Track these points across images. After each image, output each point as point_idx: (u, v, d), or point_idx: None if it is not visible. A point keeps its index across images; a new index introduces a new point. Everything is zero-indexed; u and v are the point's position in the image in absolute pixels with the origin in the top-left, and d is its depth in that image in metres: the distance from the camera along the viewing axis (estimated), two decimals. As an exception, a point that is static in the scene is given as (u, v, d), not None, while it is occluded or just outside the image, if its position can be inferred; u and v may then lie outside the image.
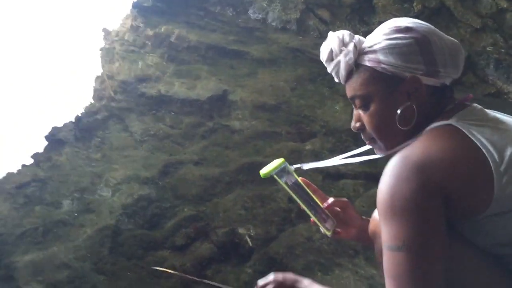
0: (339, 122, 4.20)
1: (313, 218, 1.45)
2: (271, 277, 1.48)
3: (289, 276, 1.46)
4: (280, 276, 1.47)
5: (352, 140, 3.90)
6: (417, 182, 1.05)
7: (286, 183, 1.45)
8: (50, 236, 3.08)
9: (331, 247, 2.88)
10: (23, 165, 3.73)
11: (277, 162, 1.50)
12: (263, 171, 1.48)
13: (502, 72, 4.55)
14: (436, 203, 1.05)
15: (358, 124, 1.34)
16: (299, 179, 1.52)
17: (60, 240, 3.04)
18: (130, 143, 4.15)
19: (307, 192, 1.49)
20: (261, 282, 1.50)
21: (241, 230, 3.03)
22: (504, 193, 1.05)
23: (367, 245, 1.50)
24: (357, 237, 1.55)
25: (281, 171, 1.48)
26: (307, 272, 2.70)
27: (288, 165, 1.52)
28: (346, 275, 2.65)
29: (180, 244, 3.02)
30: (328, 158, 3.86)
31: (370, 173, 3.57)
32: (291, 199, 3.35)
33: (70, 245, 2.99)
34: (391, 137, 1.27)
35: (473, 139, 1.10)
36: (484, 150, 1.08)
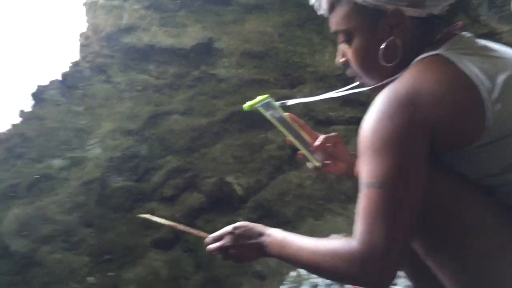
0: (329, 67, 4.08)
1: (302, 151, 1.39)
2: (227, 238, 1.34)
3: (249, 233, 1.31)
4: (236, 229, 1.34)
5: (342, 85, 3.79)
6: (402, 117, 1.01)
7: (272, 115, 1.37)
8: (34, 190, 2.99)
9: (322, 193, 2.84)
10: (13, 125, 3.59)
11: (261, 97, 1.42)
12: (246, 104, 1.42)
13: (495, 12, 4.41)
14: (420, 139, 1.02)
15: (342, 59, 1.30)
16: (285, 114, 1.44)
17: (45, 194, 2.96)
18: (114, 95, 4.01)
19: (294, 128, 1.42)
20: (211, 237, 1.41)
21: (230, 179, 2.98)
22: (496, 121, 1.01)
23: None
24: (347, 172, 1.50)
25: (266, 106, 1.40)
26: (298, 218, 2.67)
27: (272, 100, 1.44)
28: (338, 220, 2.62)
29: (169, 195, 2.96)
30: (318, 105, 3.78)
31: (361, 118, 3.49)
32: (281, 146, 3.28)
33: (55, 199, 2.92)
34: (376, 73, 1.23)
35: (462, 67, 1.04)
36: (474, 79, 1.02)
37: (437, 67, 1.06)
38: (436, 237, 1.09)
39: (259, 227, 1.31)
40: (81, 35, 5.03)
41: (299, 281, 2.08)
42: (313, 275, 2.14)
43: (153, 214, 2.83)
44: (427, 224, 1.08)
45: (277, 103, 1.46)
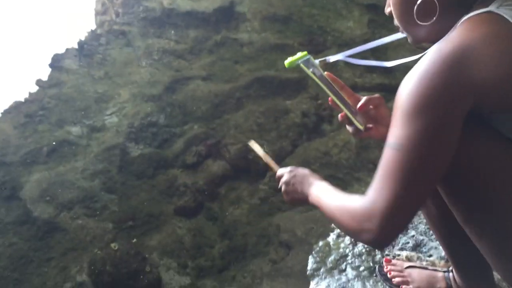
0: (355, 32, 3.94)
1: (345, 111, 1.30)
2: (287, 174, 1.42)
3: (302, 178, 1.37)
4: (293, 176, 1.39)
5: (370, 51, 3.66)
6: (442, 81, 0.93)
7: (313, 73, 1.29)
8: (55, 157, 2.96)
9: (350, 162, 2.75)
10: (30, 93, 3.54)
11: (300, 54, 1.35)
12: (288, 60, 1.34)
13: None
14: (458, 104, 0.95)
15: (388, 10, 1.19)
16: (325, 73, 1.35)
17: (66, 160, 2.93)
18: (133, 62, 3.93)
19: (334, 88, 1.33)
20: (279, 172, 1.47)
21: (256, 149, 2.89)
22: None
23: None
24: None
25: (307, 62, 1.32)
26: (325, 187, 2.59)
27: (312, 58, 1.35)
28: (365, 189, 2.53)
29: (192, 162, 2.90)
30: (343, 71, 3.65)
31: (388, 85, 3.38)
32: (305, 113, 3.19)
33: (76, 165, 2.88)
34: (414, 30, 1.15)
35: None
36: None
37: (488, 25, 0.96)
38: (476, 205, 1.04)
39: (312, 176, 1.34)
40: (97, 2, 4.95)
41: (327, 251, 2.02)
42: (342, 245, 2.08)
43: (175, 181, 2.80)
44: (468, 190, 1.03)
45: (317, 61, 1.36)
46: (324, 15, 4.20)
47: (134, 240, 2.43)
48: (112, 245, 2.33)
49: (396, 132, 0.98)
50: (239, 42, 3.95)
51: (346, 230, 1.11)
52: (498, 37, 0.94)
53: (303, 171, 1.39)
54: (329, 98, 1.31)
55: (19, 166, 2.86)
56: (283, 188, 1.41)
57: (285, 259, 2.20)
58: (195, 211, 2.59)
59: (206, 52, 3.92)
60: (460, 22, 1.02)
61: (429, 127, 0.94)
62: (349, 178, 2.64)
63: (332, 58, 1.42)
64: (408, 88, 0.96)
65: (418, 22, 1.08)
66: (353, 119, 1.29)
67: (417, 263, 1.80)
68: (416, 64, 1.00)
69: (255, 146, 1.67)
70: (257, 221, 2.47)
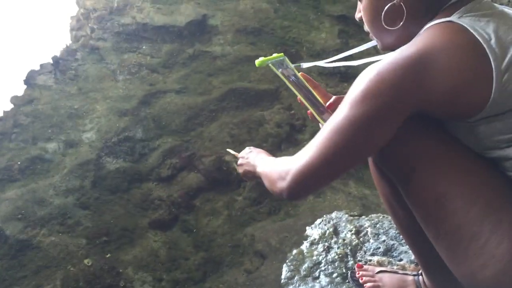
0: (327, 43, 4.00)
1: (310, 110, 1.34)
2: (245, 150, 1.55)
3: (257, 154, 1.50)
4: (249, 152, 1.53)
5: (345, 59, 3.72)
6: (395, 78, 0.96)
7: (283, 74, 1.33)
8: (28, 173, 2.93)
9: (323, 170, 2.79)
10: (4, 111, 3.50)
11: (276, 55, 1.39)
12: (259, 60, 1.36)
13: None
14: (402, 105, 0.98)
15: (358, 15, 1.23)
16: (299, 74, 1.40)
17: (40, 177, 2.90)
18: (107, 77, 3.93)
19: (307, 87, 1.37)
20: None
21: (228, 158, 2.91)
22: (503, 93, 0.95)
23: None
24: None
25: (279, 64, 1.36)
26: (299, 196, 2.62)
27: (287, 59, 1.40)
28: (338, 196, 2.57)
29: (166, 175, 2.90)
30: (316, 79, 3.71)
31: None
32: (279, 124, 3.22)
33: (50, 181, 2.86)
34: (383, 36, 1.17)
35: (474, 33, 0.97)
36: (485, 45, 0.95)
37: (447, 33, 1.00)
38: (429, 206, 1.08)
39: (267, 154, 1.45)
40: (72, 18, 4.93)
41: (301, 259, 2.04)
42: (315, 252, 2.10)
43: (150, 195, 2.79)
44: (420, 192, 1.07)
45: (292, 65, 1.41)
46: (296, 27, 4.26)
47: (108, 255, 2.41)
48: (86, 261, 2.31)
49: (337, 112, 1.02)
50: (212, 55, 3.98)
51: (269, 188, 1.21)
52: (456, 47, 0.97)
53: (259, 150, 1.51)
54: (298, 98, 1.35)
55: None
56: (238, 161, 1.54)
57: (260, 269, 2.21)
58: (170, 224, 2.59)
59: (179, 66, 3.94)
60: (424, 29, 1.06)
61: (366, 114, 0.98)
62: (322, 187, 2.67)
63: (305, 65, 1.47)
64: (361, 77, 1.00)
65: (386, 27, 1.11)
66: (317, 117, 1.34)
67: (388, 268, 1.82)
68: (376, 63, 1.03)
69: (232, 152, 1.73)
70: (232, 232, 2.47)
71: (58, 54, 4.17)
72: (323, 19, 4.39)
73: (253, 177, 1.48)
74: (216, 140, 3.12)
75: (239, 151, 1.66)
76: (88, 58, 4.16)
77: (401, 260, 1.91)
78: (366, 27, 1.21)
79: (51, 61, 4.05)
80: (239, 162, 1.55)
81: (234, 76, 3.72)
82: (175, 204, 2.70)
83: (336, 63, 1.45)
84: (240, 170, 1.54)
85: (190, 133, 3.22)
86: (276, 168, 1.18)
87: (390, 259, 1.91)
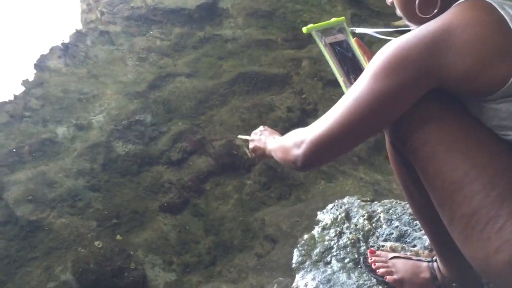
0: (339, 27, 3.94)
1: (340, 82, 1.33)
2: (259, 128, 1.59)
3: (270, 133, 1.55)
4: (263, 130, 1.57)
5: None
6: (416, 55, 0.98)
7: (324, 43, 1.31)
8: (38, 155, 2.93)
9: (334, 155, 2.75)
10: (15, 94, 3.48)
11: (335, 20, 1.40)
12: (307, 26, 1.37)
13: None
14: (419, 82, 1.00)
15: (390, 0, 1.22)
16: (353, 39, 1.38)
17: (49, 159, 2.90)
18: (117, 60, 3.90)
19: (352, 54, 1.35)
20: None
21: (239, 142, 2.89)
22: None
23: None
24: None
25: (327, 31, 1.36)
26: (310, 180, 2.59)
27: (345, 24, 1.39)
28: (350, 181, 2.54)
29: (176, 158, 2.88)
30: (325, 65, 3.66)
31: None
32: (290, 108, 3.19)
33: (60, 164, 2.85)
34: (416, 21, 1.16)
35: (501, 12, 0.96)
36: (511, 24, 0.94)
37: (473, 11, 0.99)
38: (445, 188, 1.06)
39: (279, 135, 1.48)
40: (82, 2, 4.90)
41: (312, 244, 2.02)
42: (327, 237, 2.08)
43: (160, 178, 2.78)
44: (438, 174, 1.06)
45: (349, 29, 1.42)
46: (308, 10, 4.20)
47: (118, 237, 2.41)
48: (96, 243, 2.31)
49: (357, 83, 1.04)
50: (223, 38, 3.94)
51: (282, 158, 1.23)
52: (479, 25, 0.96)
53: (273, 130, 1.56)
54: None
55: (1, 166, 2.83)
56: (251, 136, 1.58)
57: (271, 253, 2.20)
58: (181, 207, 2.58)
59: (190, 49, 3.90)
60: (453, 6, 1.04)
61: (387, 87, 0.99)
62: (333, 171, 2.64)
63: (358, 30, 1.48)
64: (384, 50, 1.01)
65: (419, 14, 1.10)
66: (345, 89, 1.31)
67: (401, 254, 1.80)
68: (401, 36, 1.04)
69: (243, 137, 1.77)
70: (243, 216, 2.46)
71: (68, 38, 4.15)
72: (335, 2, 4.32)
73: (263, 154, 1.51)
74: (227, 124, 3.09)
75: (250, 135, 1.65)
76: (97, 41, 4.13)
77: (414, 246, 1.89)
78: (399, 12, 1.20)
79: (61, 46, 4.03)
80: (251, 137, 1.58)
81: (245, 60, 3.69)
82: (185, 188, 2.68)
83: (385, 34, 1.44)
84: (251, 145, 1.57)
85: (200, 117, 3.19)
86: (291, 138, 1.18)
87: (404, 245, 1.89)
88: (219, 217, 2.48)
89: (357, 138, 1.09)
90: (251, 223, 2.39)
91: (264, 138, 1.52)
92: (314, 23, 1.39)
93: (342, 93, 1.39)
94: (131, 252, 2.32)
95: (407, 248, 1.88)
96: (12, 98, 3.41)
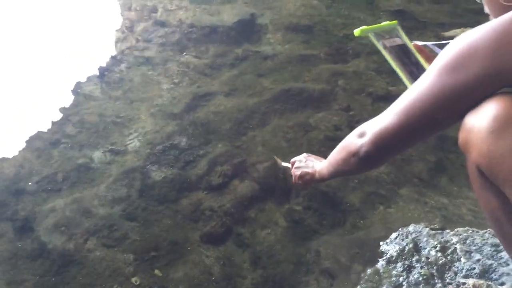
0: (385, 38, 3.70)
1: (405, 83, 1.31)
2: (302, 155, 1.60)
3: (315, 158, 1.55)
4: (308, 155, 1.58)
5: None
6: (484, 54, 0.93)
7: (384, 45, 1.22)
8: (72, 181, 2.77)
9: (391, 177, 2.49)
10: (53, 121, 3.36)
11: (386, 23, 1.39)
12: (360, 28, 1.35)
13: None
14: (484, 83, 0.94)
15: None
16: (411, 44, 1.37)
17: (84, 186, 2.73)
18: (154, 81, 3.76)
19: (416, 58, 1.33)
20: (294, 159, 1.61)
21: (284, 164, 2.65)
22: None
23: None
24: None
25: (383, 33, 1.34)
26: (367, 206, 2.32)
27: (399, 27, 1.40)
28: (413, 206, 2.26)
29: (217, 183, 2.67)
30: (375, 80, 3.41)
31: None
32: (338, 126, 2.95)
33: (95, 191, 2.68)
34: (500, 10, 1.09)
35: None
36: None
37: None
38: None
39: (322, 159, 1.49)
40: (117, 31, 4.84)
41: (377, 280, 1.76)
42: (394, 272, 1.81)
43: (200, 205, 2.57)
44: None
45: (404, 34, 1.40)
46: (350, 24, 3.99)
47: (157, 272, 2.19)
48: (133, 279, 2.10)
49: (422, 79, 1.02)
50: (262, 54, 3.75)
51: (341, 159, 1.21)
52: None
53: (317, 156, 1.57)
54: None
55: (34, 194, 2.68)
56: (295, 164, 1.57)
57: (329, 291, 1.94)
58: (223, 237, 2.34)
59: (227, 67, 3.73)
60: None
61: (455, 83, 0.96)
62: (391, 195, 2.37)
63: (417, 42, 1.43)
64: (453, 46, 0.98)
65: (503, 2, 1.08)
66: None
67: (489, 294, 1.53)
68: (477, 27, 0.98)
69: (284, 164, 1.76)
70: (293, 247, 2.21)
71: (103, 65, 4.06)
72: (379, 14, 4.10)
73: (311, 179, 1.47)
74: (270, 144, 2.87)
75: (296, 156, 1.59)
76: (133, 67, 4.01)
77: (503, 284, 1.60)
78: (482, 1, 1.16)
79: (97, 72, 3.94)
80: (295, 165, 1.56)
81: (286, 76, 3.48)
82: (227, 215, 2.46)
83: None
84: (297, 172, 1.53)
85: (241, 138, 2.98)
86: (347, 137, 1.19)
87: (489, 283, 1.60)
88: (267, 248, 2.23)
89: (421, 133, 1.05)
90: (304, 255, 2.13)
91: (311, 163, 1.51)
92: (356, 37, 1.34)
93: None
94: (171, 289, 2.10)
95: (493, 286, 1.60)
96: (50, 126, 3.32)
